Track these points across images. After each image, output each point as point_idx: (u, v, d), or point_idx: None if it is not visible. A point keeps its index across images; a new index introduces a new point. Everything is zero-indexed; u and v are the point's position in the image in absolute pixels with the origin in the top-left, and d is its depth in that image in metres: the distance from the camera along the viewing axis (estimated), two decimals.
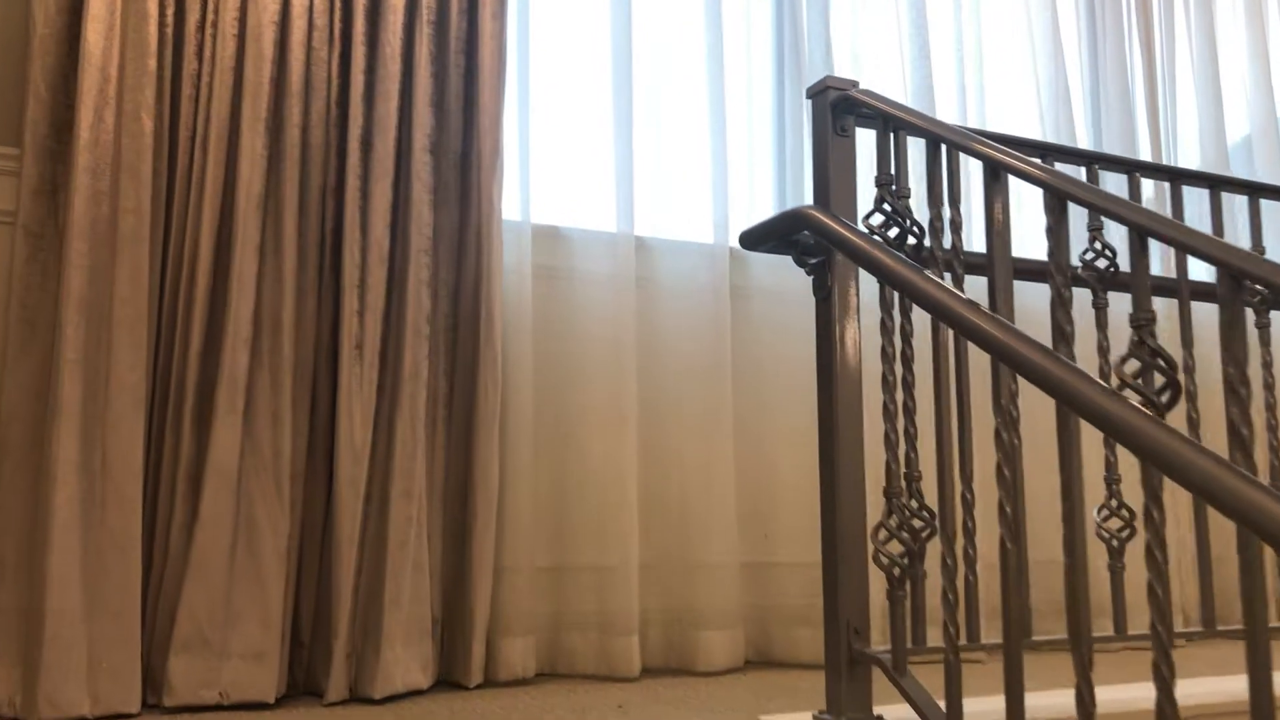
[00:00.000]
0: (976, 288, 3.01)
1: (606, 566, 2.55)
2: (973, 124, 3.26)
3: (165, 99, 2.19)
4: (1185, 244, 1.03)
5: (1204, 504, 1.63)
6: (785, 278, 2.93)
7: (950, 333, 1.50)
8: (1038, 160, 1.19)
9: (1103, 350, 1.67)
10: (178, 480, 2.11)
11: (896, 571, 1.35)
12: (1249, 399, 0.97)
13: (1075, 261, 3.15)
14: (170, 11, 2.21)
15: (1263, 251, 1.96)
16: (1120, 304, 3.27)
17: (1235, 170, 3.73)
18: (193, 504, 2.11)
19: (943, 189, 1.42)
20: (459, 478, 2.39)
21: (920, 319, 2.90)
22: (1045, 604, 3.04)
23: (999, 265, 1.31)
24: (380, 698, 2.15)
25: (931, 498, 2.57)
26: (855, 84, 1.53)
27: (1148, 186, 3.45)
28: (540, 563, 2.55)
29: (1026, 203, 3.30)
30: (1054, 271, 1.11)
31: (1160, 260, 3.34)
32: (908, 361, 1.39)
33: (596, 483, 2.58)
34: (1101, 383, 1.00)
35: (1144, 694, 1.89)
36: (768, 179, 3.10)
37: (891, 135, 1.47)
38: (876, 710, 1.58)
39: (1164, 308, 3.20)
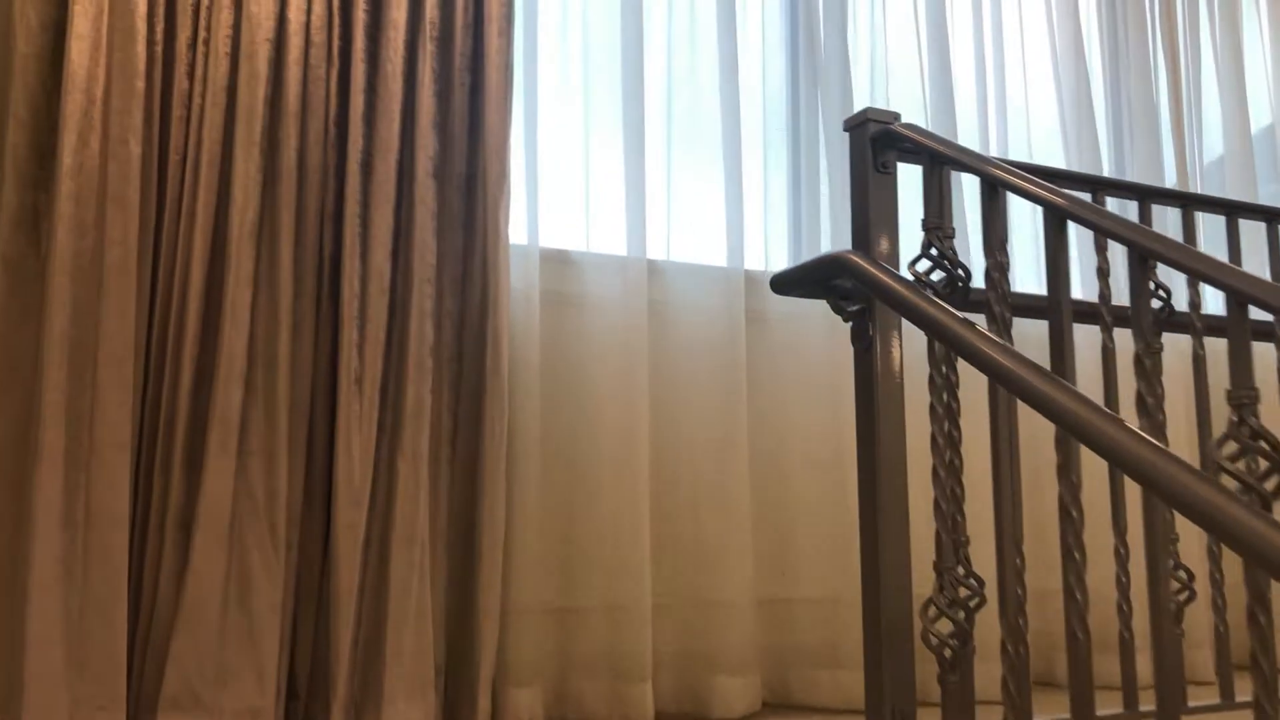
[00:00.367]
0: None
1: (618, 606, 2.43)
2: (993, 135, 3.14)
3: (154, 122, 2.07)
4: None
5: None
6: (802, 302, 2.81)
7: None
8: (1113, 213, 1.07)
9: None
10: (166, 527, 1.99)
11: (947, 653, 1.24)
12: None
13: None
14: (159, 29, 2.09)
15: None
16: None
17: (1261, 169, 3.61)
18: (182, 552, 1.99)
19: (1000, 233, 1.30)
20: (464, 519, 2.27)
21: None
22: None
23: (1062, 319, 1.19)
24: None
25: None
26: (897, 116, 1.41)
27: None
28: (548, 603, 2.43)
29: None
30: (1142, 352, 1.00)
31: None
32: (954, 416, 1.27)
33: (607, 519, 2.46)
34: (1189, 464, 0.88)
35: None
36: (782, 199, 2.98)
37: (937, 173, 1.36)
38: None
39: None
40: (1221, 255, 2.93)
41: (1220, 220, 3.40)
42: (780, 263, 2.96)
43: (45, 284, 1.94)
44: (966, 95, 3.15)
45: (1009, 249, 2.69)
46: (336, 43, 2.24)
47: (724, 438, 2.58)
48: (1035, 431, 2.88)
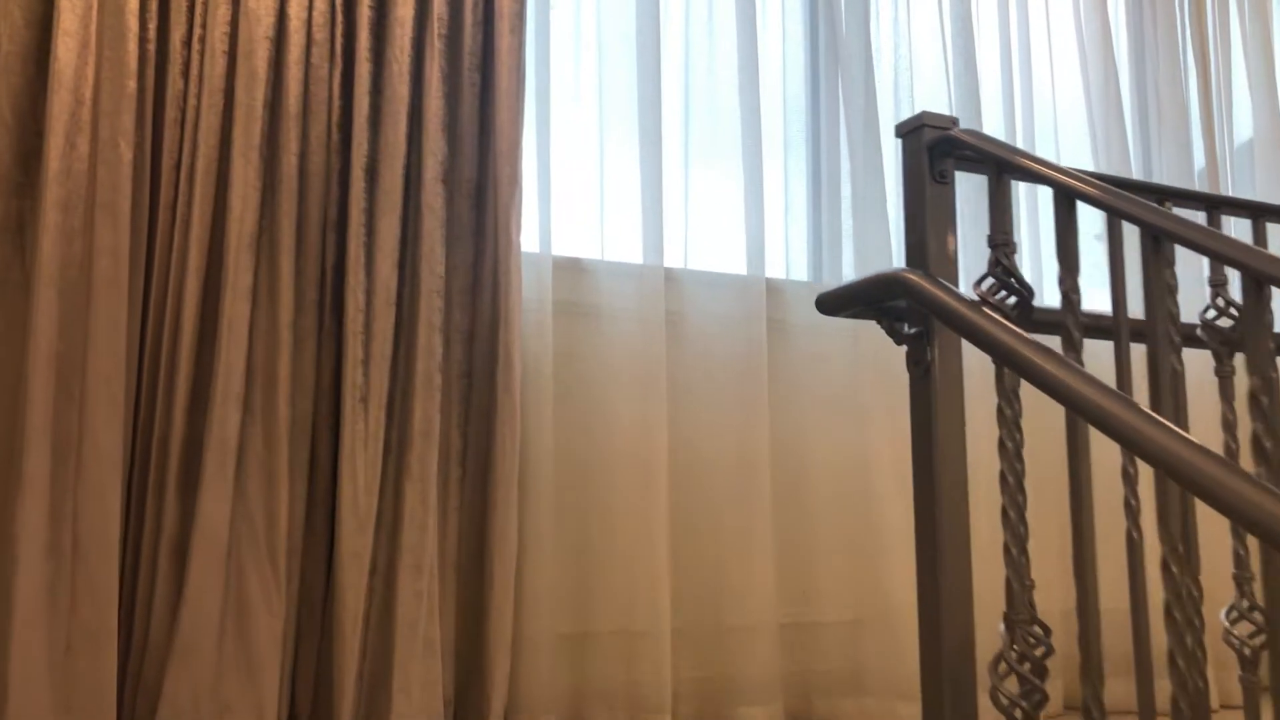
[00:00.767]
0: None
1: (636, 633, 2.31)
2: (1020, 130, 3.02)
3: (146, 124, 1.95)
4: None
5: None
6: None
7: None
8: (1223, 235, 0.96)
9: (1228, 425, 1.43)
10: (160, 555, 1.87)
11: (1019, 714, 1.12)
12: None
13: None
14: (152, 26, 1.97)
15: None
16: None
17: None
18: (176, 581, 1.87)
19: (1075, 250, 1.18)
20: (474, 543, 2.15)
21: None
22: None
23: (1159, 348, 1.08)
24: None
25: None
26: (955, 121, 1.30)
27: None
28: (563, 630, 2.31)
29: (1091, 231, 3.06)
30: (1259, 389, 0.88)
31: None
32: (1021, 450, 1.16)
33: (624, 540, 2.34)
34: None
35: None
36: (802, 204, 2.86)
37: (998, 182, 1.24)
38: None
39: None
40: None
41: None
42: (801, 270, 2.84)
43: (30, 296, 1.82)
44: (991, 91, 3.03)
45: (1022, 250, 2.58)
46: (340, 40, 2.12)
47: (745, 454, 2.47)
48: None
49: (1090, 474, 1.17)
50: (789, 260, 2.80)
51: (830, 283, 2.85)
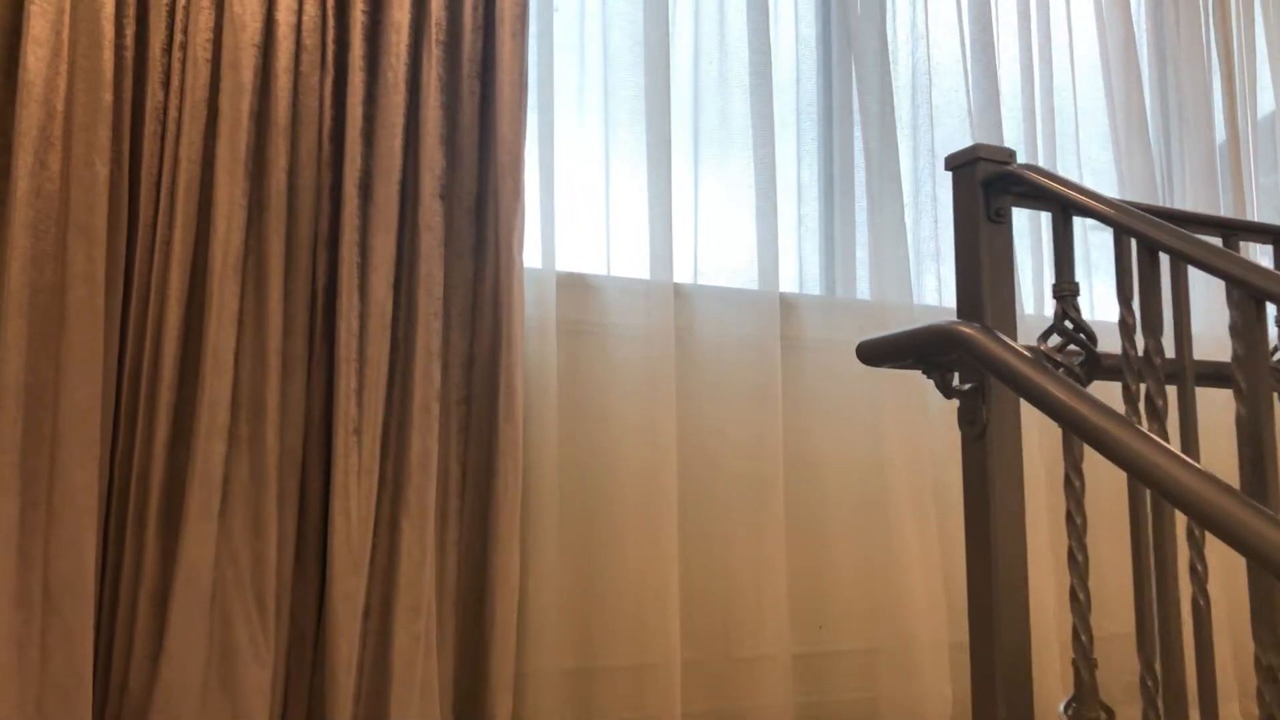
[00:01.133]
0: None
1: (644, 667, 2.20)
2: (1040, 136, 2.90)
3: (124, 139, 1.82)
4: None
5: None
6: (841, 326, 2.58)
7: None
8: None
9: None
10: (139, 601, 1.75)
11: None
12: None
13: None
14: (130, 33, 1.84)
15: None
16: None
17: None
18: (157, 629, 1.75)
19: (1158, 306, 1.07)
20: (474, 579, 2.04)
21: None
22: None
23: (1259, 412, 0.96)
24: None
25: None
26: (1012, 154, 1.18)
27: None
28: (568, 668, 2.20)
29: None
30: None
31: None
32: (1085, 522, 1.05)
33: (633, 570, 2.23)
34: None
35: None
36: (814, 214, 2.74)
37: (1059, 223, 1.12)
38: None
39: None
40: None
41: None
42: (814, 284, 2.73)
43: None
44: (1011, 84, 2.90)
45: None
46: (331, 47, 1.99)
47: (758, 479, 2.35)
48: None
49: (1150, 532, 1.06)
50: (802, 273, 2.69)
51: (844, 297, 2.73)
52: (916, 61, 2.78)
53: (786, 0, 2.72)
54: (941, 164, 2.75)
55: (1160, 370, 1.04)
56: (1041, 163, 2.87)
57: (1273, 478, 1.00)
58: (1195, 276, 2.98)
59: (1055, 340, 1.10)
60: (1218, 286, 2.98)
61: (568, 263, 2.35)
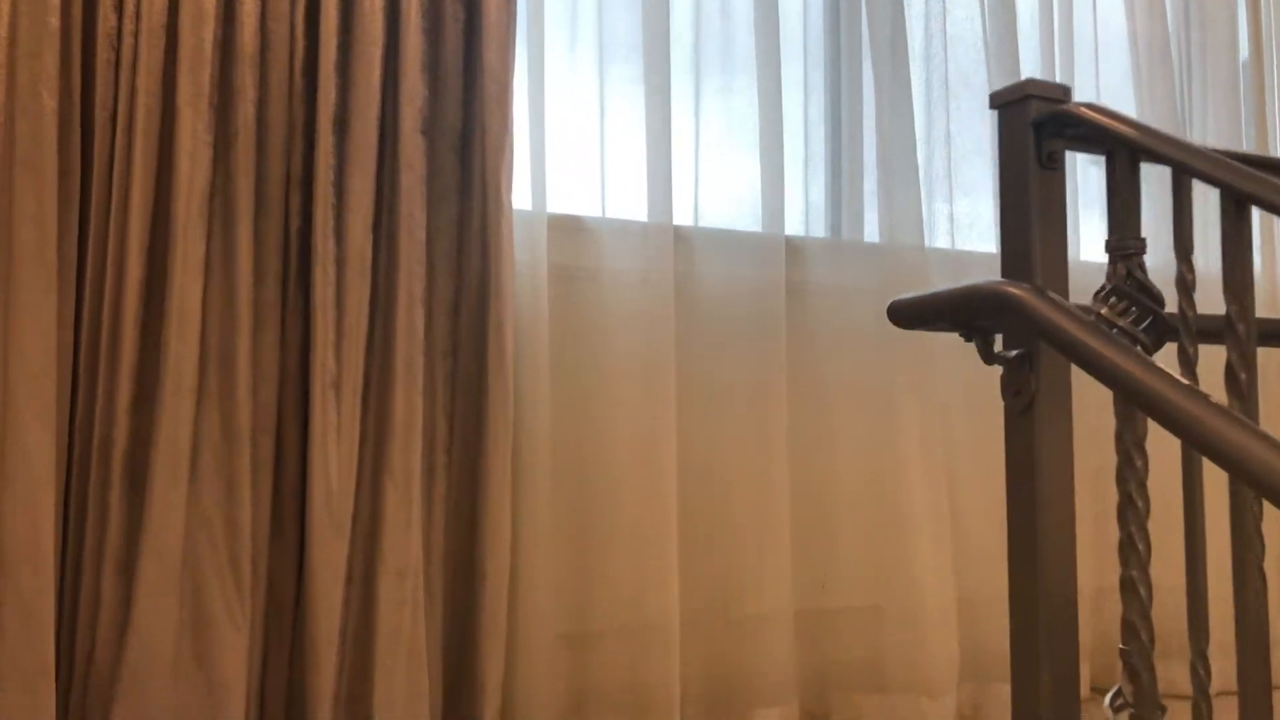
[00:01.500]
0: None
1: (642, 628, 2.10)
2: (1059, 66, 2.73)
3: (74, 68, 1.66)
4: None
5: None
6: (849, 271, 2.44)
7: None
8: None
9: None
10: (104, 570, 1.64)
11: None
12: None
13: None
14: None
15: None
16: None
17: None
18: (124, 600, 1.64)
19: (1246, 266, 0.94)
20: (464, 539, 1.93)
21: None
22: None
23: None
24: None
25: None
26: (1067, 91, 1.04)
27: None
28: (562, 628, 2.10)
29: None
30: None
31: None
32: (1148, 507, 0.93)
33: (630, 528, 2.12)
34: None
35: None
36: (821, 150, 2.59)
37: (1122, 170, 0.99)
38: None
39: None
40: None
41: None
42: (820, 226, 2.59)
43: None
44: (1028, 9, 2.73)
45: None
46: None
47: (761, 430, 2.24)
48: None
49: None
50: (808, 215, 2.55)
51: (851, 240, 2.59)
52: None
53: None
54: (956, 96, 2.60)
55: (1249, 341, 0.92)
56: None
57: None
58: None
59: (1116, 302, 0.97)
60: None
61: (560, 204, 2.20)
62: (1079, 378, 1.02)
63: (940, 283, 2.51)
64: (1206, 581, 1.05)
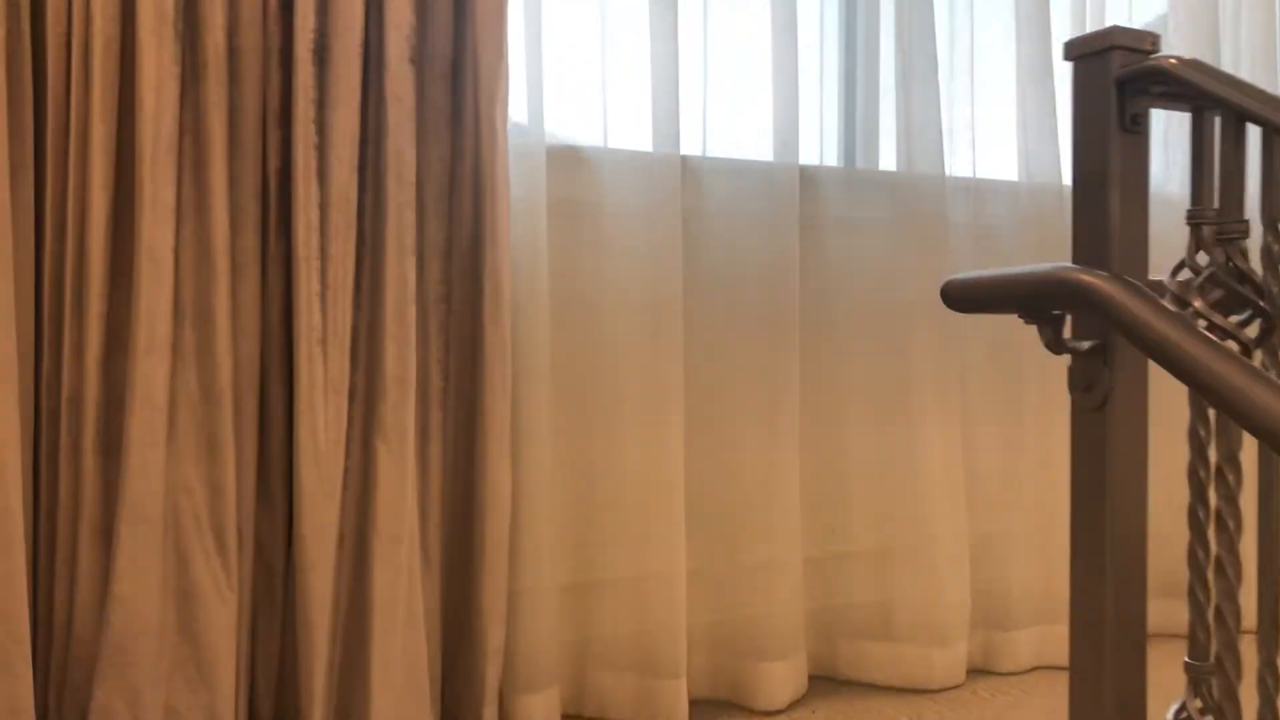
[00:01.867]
0: None
1: (647, 578, 2.02)
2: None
3: None
4: None
5: None
6: (865, 202, 2.31)
7: None
8: None
9: None
10: (79, 539, 1.54)
11: None
12: None
13: None
14: None
15: None
16: None
17: None
18: (102, 570, 1.55)
19: None
20: (462, 499, 1.83)
21: None
22: None
23: None
24: None
25: None
26: (1156, 40, 0.90)
27: None
28: (564, 584, 2.03)
29: None
30: None
31: None
32: (1239, 525, 0.83)
33: (633, 477, 2.03)
34: None
35: None
36: (836, 77, 2.43)
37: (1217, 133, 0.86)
38: None
39: None
40: None
41: None
42: (832, 155, 2.44)
43: None
44: None
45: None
46: None
47: (772, 372, 2.13)
48: None
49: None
50: (822, 142, 2.40)
51: (867, 169, 2.45)
52: None
53: None
54: (980, 14, 2.43)
55: None
56: (1089, 17, 2.55)
57: None
58: None
59: (1210, 291, 0.85)
60: None
61: (559, 134, 2.05)
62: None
63: (960, 215, 2.39)
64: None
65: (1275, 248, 0.95)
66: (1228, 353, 0.75)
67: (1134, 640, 0.87)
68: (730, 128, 2.22)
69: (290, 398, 1.67)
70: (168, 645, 1.57)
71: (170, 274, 1.55)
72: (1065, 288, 0.84)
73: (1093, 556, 0.87)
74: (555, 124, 2.03)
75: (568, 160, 2.03)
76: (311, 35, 1.64)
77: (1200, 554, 0.94)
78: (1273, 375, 0.78)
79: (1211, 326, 0.85)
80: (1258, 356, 0.88)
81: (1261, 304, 0.87)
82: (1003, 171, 2.48)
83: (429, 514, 1.79)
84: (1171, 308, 0.81)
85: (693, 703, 2.10)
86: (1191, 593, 0.91)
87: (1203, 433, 0.91)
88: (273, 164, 1.66)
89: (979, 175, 2.43)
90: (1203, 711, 0.94)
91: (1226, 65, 2.69)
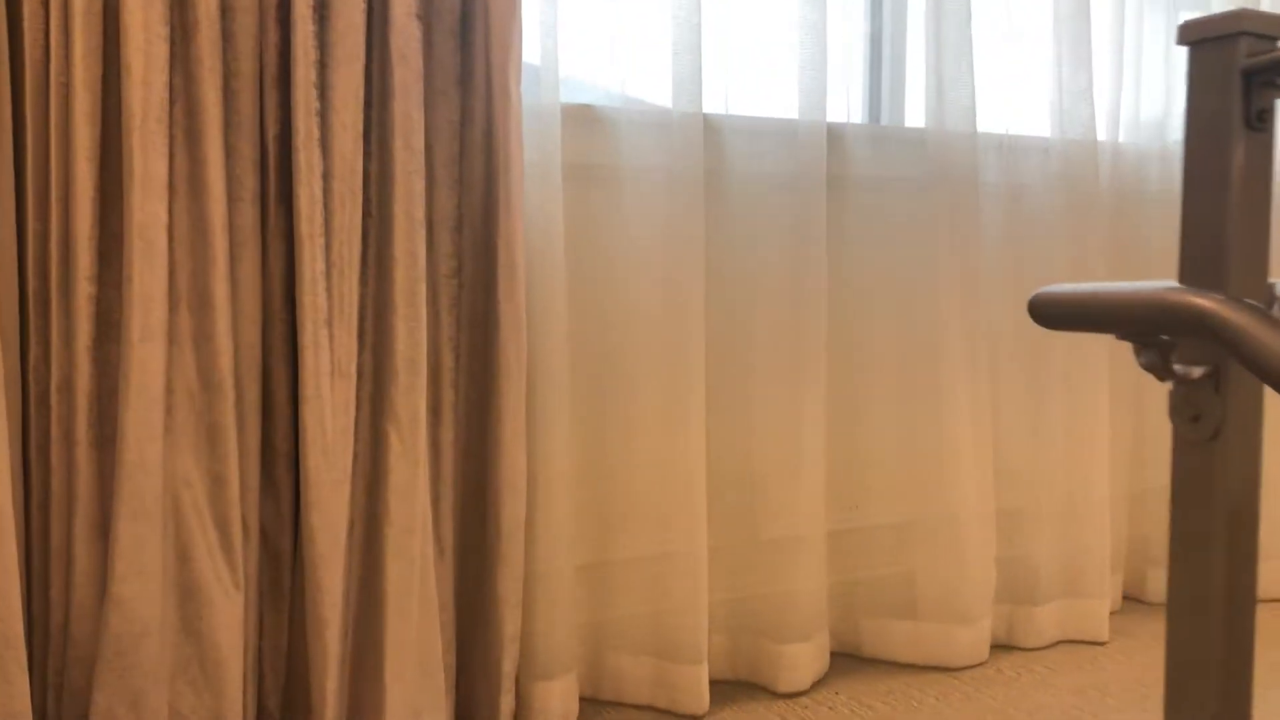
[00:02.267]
0: None
1: (668, 556, 1.95)
2: None
3: None
4: None
5: None
6: (893, 161, 2.20)
7: None
8: None
9: None
10: (74, 534, 1.45)
11: None
12: None
13: None
14: None
15: None
16: None
17: None
18: (99, 569, 1.46)
19: None
20: (474, 482, 1.75)
21: None
22: None
23: None
24: None
25: None
26: None
27: None
28: (581, 561, 1.95)
29: None
30: None
31: None
32: None
33: (653, 452, 1.95)
34: None
35: None
36: (861, 30, 2.30)
37: None
38: None
39: None
40: None
41: None
42: (857, 109, 2.32)
43: None
44: None
45: None
46: None
47: (796, 341, 2.04)
48: None
49: None
50: (848, 96, 2.27)
51: (892, 125, 2.33)
52: None
53: None
54: None
55: None
56: None
57: None
58: None
59: None
60: None
61: (574, 92, 1.93)
62: None
63: (991, 175, 2.28)
64: None
65: None
66: None
67: (1241, 690, 0.79)
68: (753, 82, 2.09)
69: (294, 382, 1.57)
70: (170, 645, 1.49)
71: (164, 254, 1.44)
72: (1181, 314, 0.74)
73: (1198, 610, 0.78)
74: (571, 80, 1.91)
75: (583, 119, 1.91)
76: None
77: None
78: None
79: None
80: None
81: None
82: (1034, 127, 2.36)
83: (441, 499, 1.70)
84: None
85: (712, 683, 2.04)
86: None
87: None
88: (271, 130, 1.55)
89: (1011, 131, 2.32)
90: None
91: None
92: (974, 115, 2.16)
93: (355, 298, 1.56)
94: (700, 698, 1.92)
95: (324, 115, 1.53)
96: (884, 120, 2.34)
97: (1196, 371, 0.80)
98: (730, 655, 2.08)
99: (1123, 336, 0.82)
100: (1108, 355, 2.33)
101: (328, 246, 1.54)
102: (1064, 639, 2.31)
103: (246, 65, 1.51)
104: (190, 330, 1.49)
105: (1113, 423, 2.42)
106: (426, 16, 1.62)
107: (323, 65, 1.53)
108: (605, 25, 1.94)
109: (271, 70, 1.53)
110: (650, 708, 1.94)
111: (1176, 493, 0.84)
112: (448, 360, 1.69)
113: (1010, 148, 2.30)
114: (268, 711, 1.61)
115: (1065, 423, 2.31)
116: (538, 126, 1.80)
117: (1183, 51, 2.54)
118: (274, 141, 1.54)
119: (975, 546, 2.17)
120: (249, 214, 1.52)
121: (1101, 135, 2.39)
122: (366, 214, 1.59)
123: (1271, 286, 0.86)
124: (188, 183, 1.47)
